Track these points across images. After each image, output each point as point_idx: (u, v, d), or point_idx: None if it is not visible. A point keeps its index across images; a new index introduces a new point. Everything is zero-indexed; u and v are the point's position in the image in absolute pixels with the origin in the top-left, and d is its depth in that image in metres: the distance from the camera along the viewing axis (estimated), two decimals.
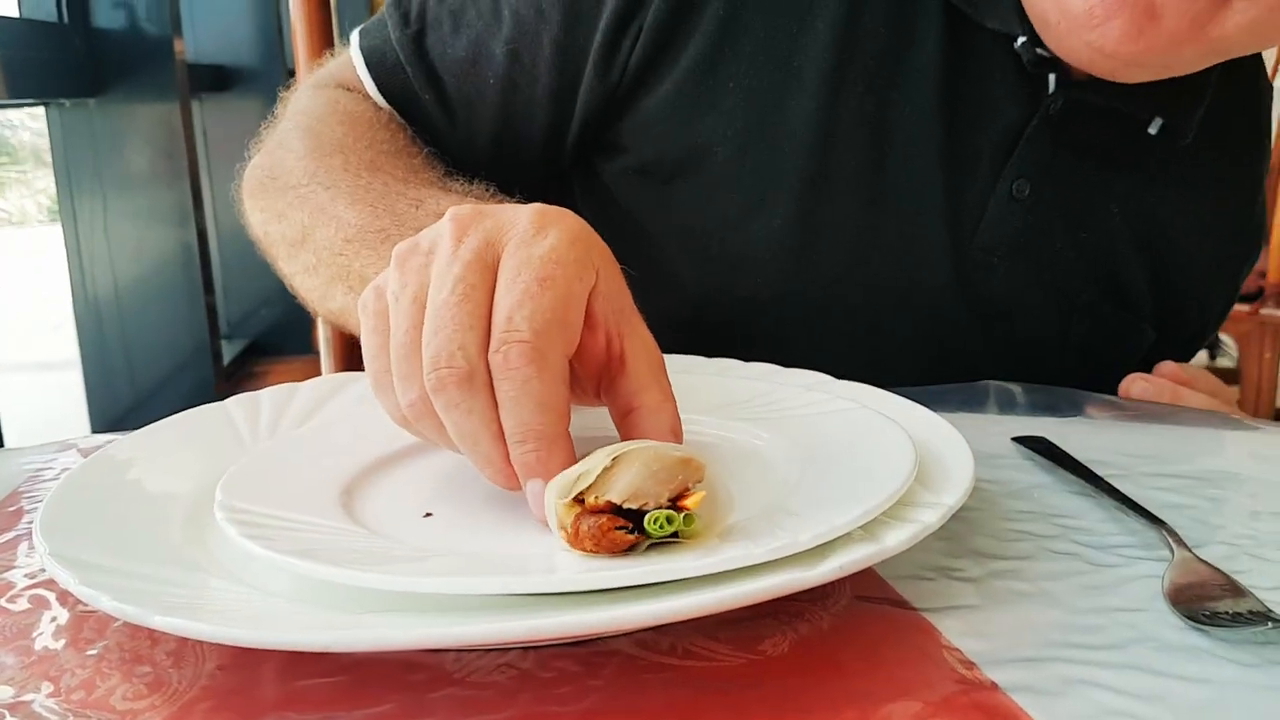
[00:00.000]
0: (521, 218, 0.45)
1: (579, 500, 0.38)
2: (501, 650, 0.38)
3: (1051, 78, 0.72)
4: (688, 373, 0.55)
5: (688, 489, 0.39)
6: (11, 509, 0.54)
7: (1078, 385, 0.73)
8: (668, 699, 0.35)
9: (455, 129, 0.77)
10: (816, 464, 0.45)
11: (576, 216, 0.46)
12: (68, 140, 2.27)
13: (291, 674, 0.37)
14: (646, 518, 0.37)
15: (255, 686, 0.36)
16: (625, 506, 0.37)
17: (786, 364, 0.62)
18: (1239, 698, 0.34)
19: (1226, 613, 0.38)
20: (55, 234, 2.44)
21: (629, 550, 0.37)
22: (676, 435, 0.45)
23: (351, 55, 0.78)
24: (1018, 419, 0.61)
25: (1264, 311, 2.51)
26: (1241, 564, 0.43)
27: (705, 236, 0.75)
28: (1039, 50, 0.70)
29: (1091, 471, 0.50)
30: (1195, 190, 0.79)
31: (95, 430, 2.31)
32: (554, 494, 0.38)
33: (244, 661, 0.37)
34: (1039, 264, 0.76)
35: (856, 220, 0.73)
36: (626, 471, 0.38)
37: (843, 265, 0.74)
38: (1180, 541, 0.43)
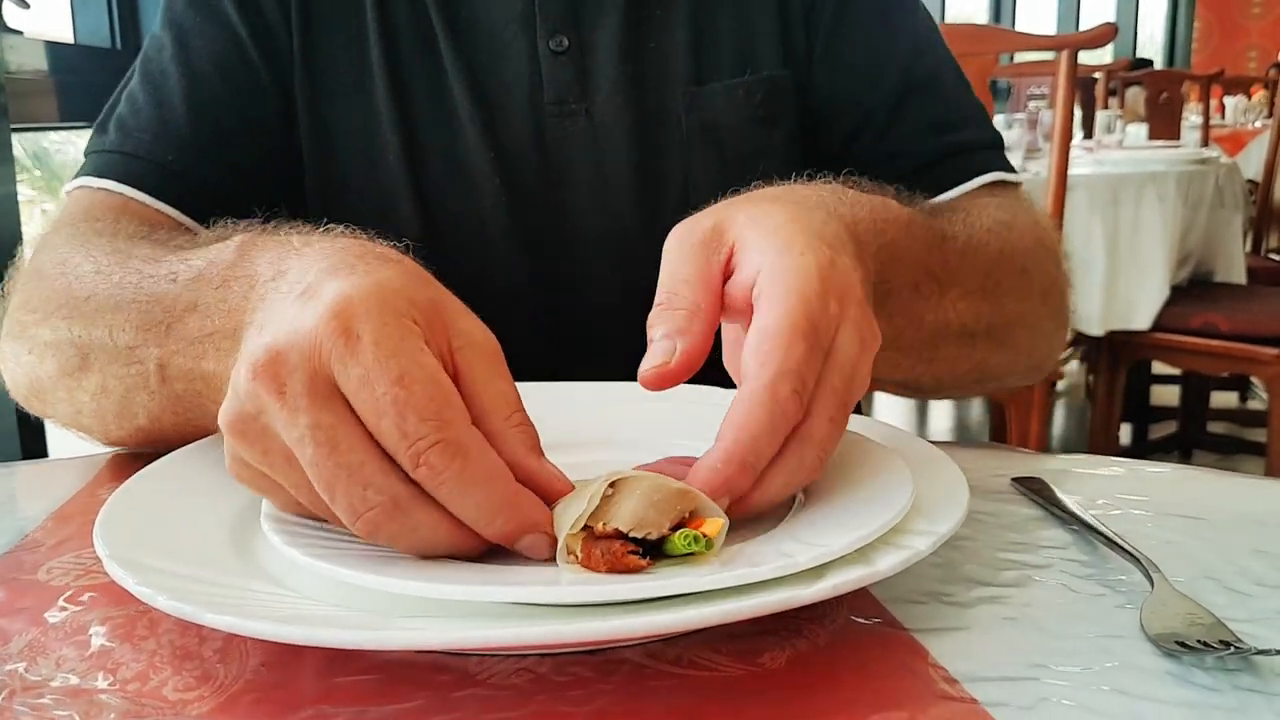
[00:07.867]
0: (318, 330, 0.41)
1: (586, 527, 0.41)
2: (520, 656, 0.41)
3: None
4: (700, 401, 0.58)
5: (684, 519, 0.42)
6: (68, 517, 0.58)
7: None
8: (671, 704, 0.38)
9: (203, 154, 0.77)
10: (818, 492, 0.48)
11: (346, 280, 0.43)
12: None
13: (329, 671, 0.40)
14: (678, 534, 0.41)
15: (295, 681, 0.40)
16: (631, 535, 0.41)
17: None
18: None
19: (1198, 641, 0.40)
20: None
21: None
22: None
23: (85, 187, 0.76)
24: (1019, 460, 0.63)
25: None
26: (1219, 597, 0.45)
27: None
28: None
29: (1082, 512, 0.53)
30: None
31: None
32: (564, 523, 0.42)
33: (285, 659, 0.41)
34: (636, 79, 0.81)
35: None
36: (629, 500, 0.41)
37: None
38: (1161, 574, 0.45)
